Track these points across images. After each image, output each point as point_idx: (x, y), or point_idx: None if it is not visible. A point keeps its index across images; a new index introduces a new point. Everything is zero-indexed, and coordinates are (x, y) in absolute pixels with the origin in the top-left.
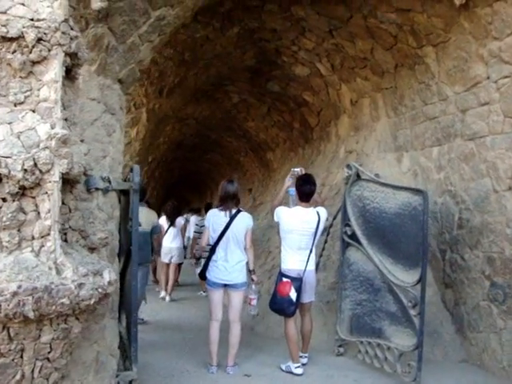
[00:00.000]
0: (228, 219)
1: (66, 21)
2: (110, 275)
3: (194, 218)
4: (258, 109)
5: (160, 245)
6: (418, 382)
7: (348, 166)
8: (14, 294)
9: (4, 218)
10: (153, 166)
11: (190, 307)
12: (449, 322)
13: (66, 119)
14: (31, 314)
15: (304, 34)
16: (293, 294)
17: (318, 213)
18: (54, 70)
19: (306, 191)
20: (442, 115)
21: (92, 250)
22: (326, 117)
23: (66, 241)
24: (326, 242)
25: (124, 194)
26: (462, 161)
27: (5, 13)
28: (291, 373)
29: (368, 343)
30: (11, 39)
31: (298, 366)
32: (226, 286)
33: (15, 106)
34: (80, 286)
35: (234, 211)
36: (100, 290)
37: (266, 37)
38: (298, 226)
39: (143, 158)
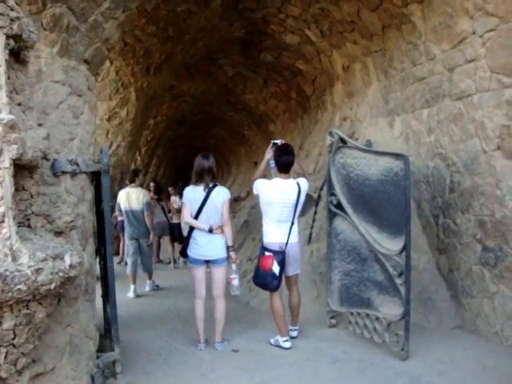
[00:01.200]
0: (205, 194)
1: (3, 1)
2: (71, 258)
3: None
4: (254, 81)
5: (151, 222)
6: (405, 351)
7: (330, 134)
8: None
9: None
10: (152, 145)
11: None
12: (444, 288)
13: (19, 104)
14: None
15: (289, 0)
16: (275, 268)
17: (298, 184)
18: None
19: (284, 162)
20: (430, 75)
21: (59, 233)
22: (321, 85)
23: (29, 226)
24: (315, 213)
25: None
26: (450, 122)
27: None
28: (280, 347)
29: (358, 314)
30: None
31: (286, 340)
32: (207, 262)
33: None
34: (37, 271)
35: (210, 185)
36: (61, 273)
37: (251, 6)
38: (278, 197)
39: (136, 138)
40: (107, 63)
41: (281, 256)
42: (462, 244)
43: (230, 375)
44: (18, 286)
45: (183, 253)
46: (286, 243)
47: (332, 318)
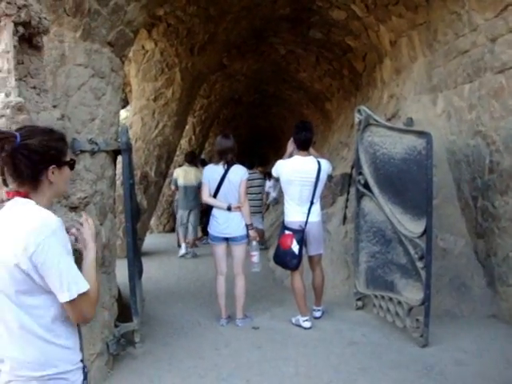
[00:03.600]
0: (223, 173)
1: None
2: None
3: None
4: (307, 58)
5: None
6: (424, 337)
7: (358, 111)
8: None
9: None
10: (207, 124)
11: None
12: (480, 275)
13: (34, 87)
14: None
15: None
16: (295, 247)
17: (318, 162)
18: (4, 41)
19: (301, 138)
20: (472, 48)
21: (73, 208)
22: (370, 61)
23: None
24: (348, 193)
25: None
26: (491, 97)
27: None
28: (300, 326)
29: (381, 297)
30: None
31: (306, 320)
32: (227, 239)
33: None
34: None
35: (228, 164)
36: None
37: None
38: (297, 175)
39: (183, 117)
40: (152, 44)
41: (300, 235)
42: (500, 228)
43: (242, 351)
44: None
45: (204, 230)
46: (306, 222)
47: (359, 299)
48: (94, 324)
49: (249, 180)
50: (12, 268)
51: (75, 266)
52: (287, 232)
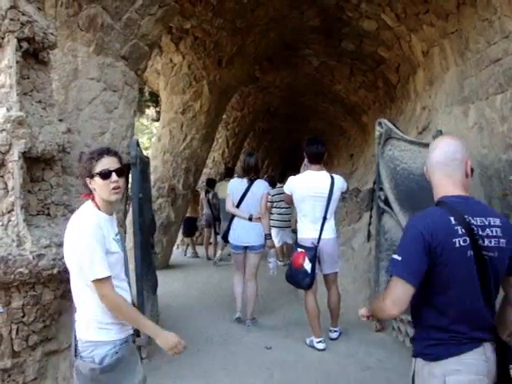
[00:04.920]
0: (247, 186)
1: (13, 7)
2: None
3: None
4: (340, 70)
5: None
6: None
7: (379, 124)
8: None
9: None
10: (241, 137)
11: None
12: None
13: (39, 101)
14: None
15: None
16: (307, 265)
17: (331, 176)
18: (7, 57)
19: (313, 151)
20: (504, 56)
21: None
22: (404, 72)
23: (49, 215)
24: (371, 208)
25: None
26: None
27: None
28: (313, 347)
29: (400, 320)
30: None
31: (320, 341)
32: (246, 247)
33: None
34: (39, 256)
35: (252, 179)
36: (64, 260)
37: None
38: (310, 190)
39: (211, 130)
40: (179, 58)
41: (312, 252)
42: None
43: (251, 371)
44: (20, 269)
45: (225, 238)
46: (319, 239)
47: (378, 321)
48: None
49: (278, 194)
50: None
51: (99, 257)
52: (299, 250)
